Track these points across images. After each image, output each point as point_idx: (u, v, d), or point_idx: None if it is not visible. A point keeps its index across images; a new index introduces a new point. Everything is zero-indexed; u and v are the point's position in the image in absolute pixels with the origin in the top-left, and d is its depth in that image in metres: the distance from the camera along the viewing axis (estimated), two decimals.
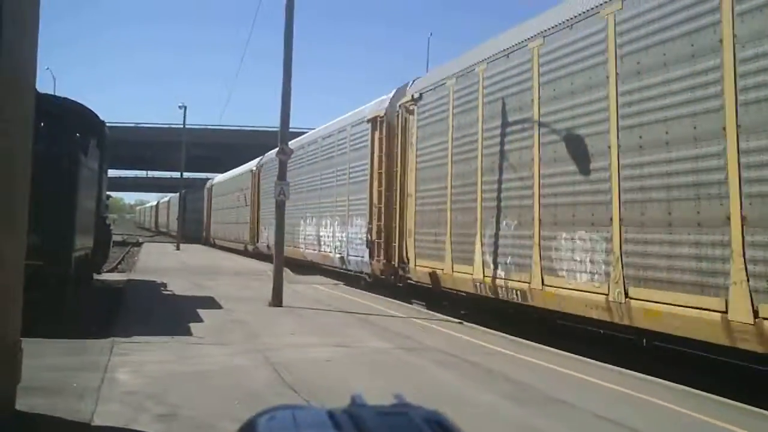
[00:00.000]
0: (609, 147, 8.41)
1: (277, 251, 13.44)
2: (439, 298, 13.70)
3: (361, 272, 17.09)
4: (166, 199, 71.61)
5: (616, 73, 8.31)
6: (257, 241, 29.04)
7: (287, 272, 15.76)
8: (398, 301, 14.21)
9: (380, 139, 16.00)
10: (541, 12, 10.52)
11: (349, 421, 0.78)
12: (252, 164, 32.83)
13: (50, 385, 5.96)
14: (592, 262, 8.67)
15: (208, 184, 45.83)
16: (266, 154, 29.33)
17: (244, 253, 32.51)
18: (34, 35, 5.61)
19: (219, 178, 42.62)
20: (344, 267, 18.43)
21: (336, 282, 18.70)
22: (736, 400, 6.30)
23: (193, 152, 43.69)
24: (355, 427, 0.76)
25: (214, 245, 42.04)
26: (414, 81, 15.44)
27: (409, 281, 14.55)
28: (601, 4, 8.72)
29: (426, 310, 13.34)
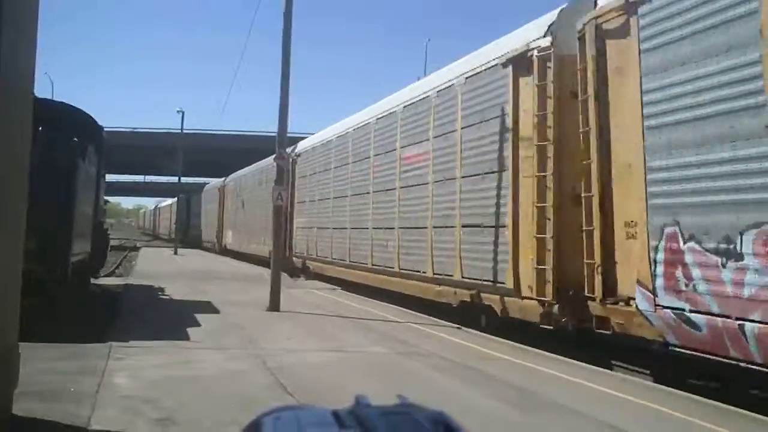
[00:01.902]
0: None
1: (275, 256, 13.43)
2: None
3: None
4: (172, 201, 58.13)
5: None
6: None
7: (285, 276, 15.71)
8: (396, 306, 14.07)
9: None
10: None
11: (353, 421, 0.77)
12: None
13: (47, 390, 5.93)
14: None
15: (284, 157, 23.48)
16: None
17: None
18: (33, 39, 5.61)
19: (315, 138, 22.65)
20: None
21: (333, 287, 18.63)
22: (739, 407, 6.29)
23: (190, 157, 43.62)
24: (360, 427, 0.76)
25: (303, 270, 22.33)
26: None
27: None
28: None
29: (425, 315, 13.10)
